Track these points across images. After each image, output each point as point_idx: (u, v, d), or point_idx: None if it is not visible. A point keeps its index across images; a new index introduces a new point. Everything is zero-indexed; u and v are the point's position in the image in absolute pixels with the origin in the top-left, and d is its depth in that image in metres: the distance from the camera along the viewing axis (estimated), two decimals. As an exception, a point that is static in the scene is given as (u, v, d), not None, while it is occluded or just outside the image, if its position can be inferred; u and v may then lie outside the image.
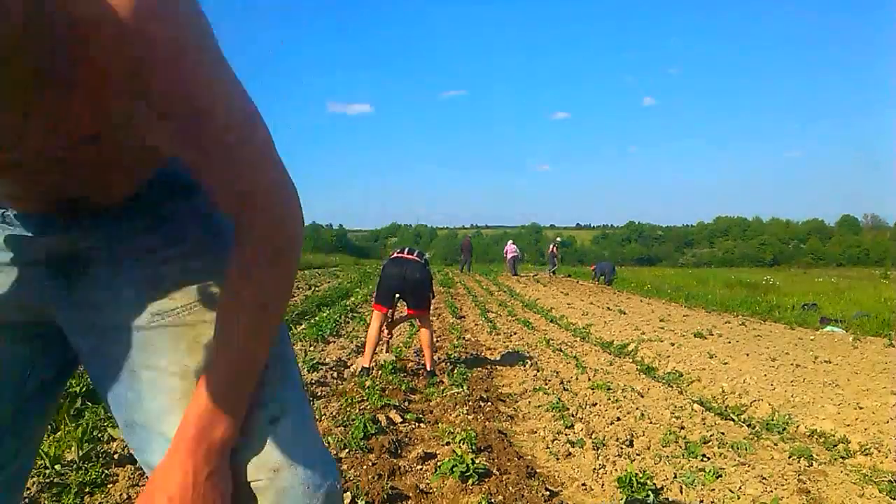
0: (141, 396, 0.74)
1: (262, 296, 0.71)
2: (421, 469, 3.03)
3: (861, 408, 4.45)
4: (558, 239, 22.66)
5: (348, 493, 2.55)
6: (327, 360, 5.47)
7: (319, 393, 4.33)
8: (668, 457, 3.32)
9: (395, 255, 5.04)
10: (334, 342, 6.58)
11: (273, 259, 0.71)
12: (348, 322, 8.16)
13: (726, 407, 4.78)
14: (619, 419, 4.02)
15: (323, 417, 3.68)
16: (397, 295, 4.99)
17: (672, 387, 5.27)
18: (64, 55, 0.51)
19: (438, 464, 3.00)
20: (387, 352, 5.57)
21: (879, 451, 3.64)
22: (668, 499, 2.84)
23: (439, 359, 5.69)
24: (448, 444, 3.31)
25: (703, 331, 8.33)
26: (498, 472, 2.93)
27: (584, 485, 2.97)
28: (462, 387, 4.62)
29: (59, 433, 2.94)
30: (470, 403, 4.19)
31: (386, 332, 5.37)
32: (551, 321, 9.55)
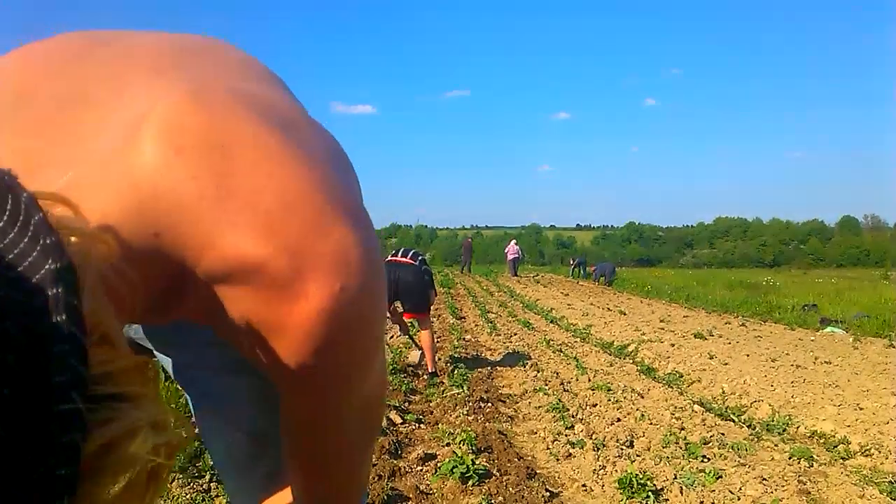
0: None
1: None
2: (421, 470, 3.03)
3: (861, 409, 4.45)
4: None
5: (348, 494, 2.55)
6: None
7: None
8: (668, 458, 3.32)
9: (389, 258, 4.98)
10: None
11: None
12: (348, 323, 8.15)
13: (726, 408, 4.78)
14: (619, 420, 4.02)
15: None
16: (393, 300, 4.92)
17: (672, 387, 5.27)
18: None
19: (439, 465, 3.00)
20: (417, 348, 5.46)
21: (880, 452, 3.64)
22: (668, 500, 2.83)
23: (439, 359, 5.69)
24: (448, 444, 3.32)
25: (703, 331, 8.32)
26: (498, 473, 2.93)
27: (584, 486, 2.97)
28: (462, 387, 4.62)
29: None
30: (470, 404, 4.19)
31: (399, 327, 5.35)
32: (551, 322, 9.54)
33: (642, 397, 4.76)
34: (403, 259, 4.82)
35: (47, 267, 0.23)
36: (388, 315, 5.17)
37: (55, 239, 0.24)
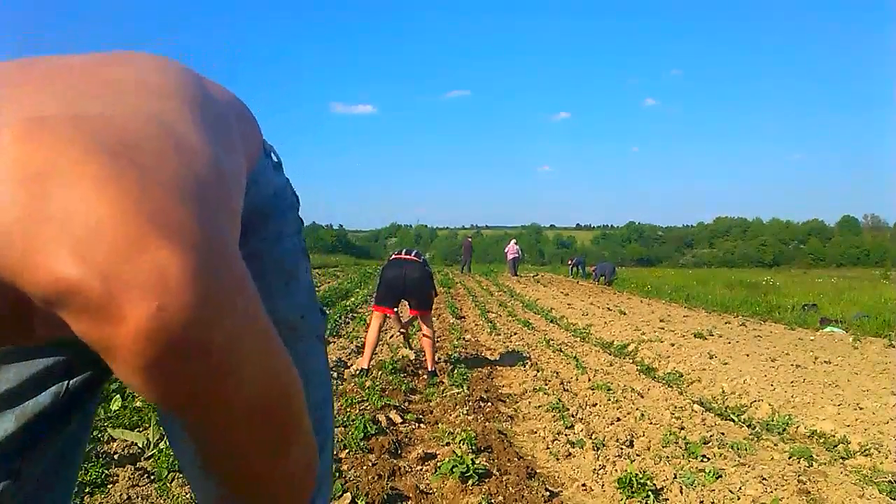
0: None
1: None
2: (421, 469, 3.04)
3: (861, 408, 4.46)
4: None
5: (348, 494, 2.55)
6: (327, 360, 5.47)
7: (319, 393, 4.33)
8: (668, 457, 3.32)
9: (394, 256, 5.02)
10: (334, 342, 6.57)
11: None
12: (348, 322, 8.16)
13: (726, 407, 4.78)
14: (619, 419, 4.02)
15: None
16: (399, 298, 4.97)
17: (672, 387, 5.27)
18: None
19: (438, 464, 3.00)
20: (409, 348, 5.63)
21: (879, 452, 3.64)
22: (668, 499, 2.83)
23: (439, 359, 5.69)
24: (448, 444, 3.32)
25: (703, 331, 8.32)
26: (498, 473, 2.94)
27: (584, 485, 2.97)
28: (462, 387, 4.62)
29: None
30: (470, 404, 4.19)
31: (400, 327, 5.43)
32: (551, 321, 9.54)
33: (642, 397, 4.77)
34: (409, 257, 4.94)
35: None
36: (393, 316, 5.15)
37: None
